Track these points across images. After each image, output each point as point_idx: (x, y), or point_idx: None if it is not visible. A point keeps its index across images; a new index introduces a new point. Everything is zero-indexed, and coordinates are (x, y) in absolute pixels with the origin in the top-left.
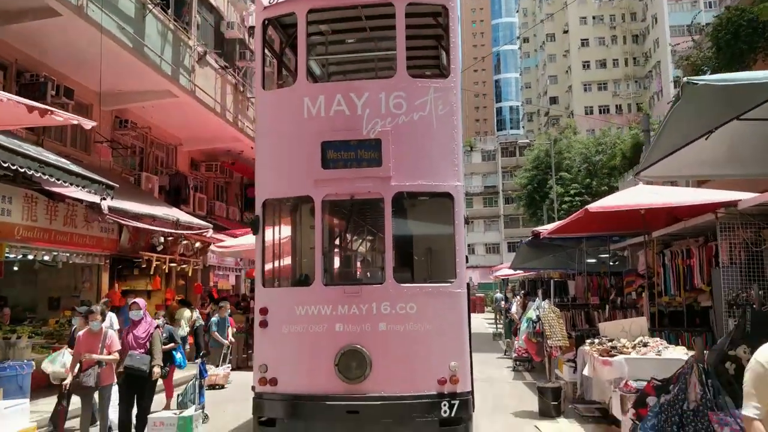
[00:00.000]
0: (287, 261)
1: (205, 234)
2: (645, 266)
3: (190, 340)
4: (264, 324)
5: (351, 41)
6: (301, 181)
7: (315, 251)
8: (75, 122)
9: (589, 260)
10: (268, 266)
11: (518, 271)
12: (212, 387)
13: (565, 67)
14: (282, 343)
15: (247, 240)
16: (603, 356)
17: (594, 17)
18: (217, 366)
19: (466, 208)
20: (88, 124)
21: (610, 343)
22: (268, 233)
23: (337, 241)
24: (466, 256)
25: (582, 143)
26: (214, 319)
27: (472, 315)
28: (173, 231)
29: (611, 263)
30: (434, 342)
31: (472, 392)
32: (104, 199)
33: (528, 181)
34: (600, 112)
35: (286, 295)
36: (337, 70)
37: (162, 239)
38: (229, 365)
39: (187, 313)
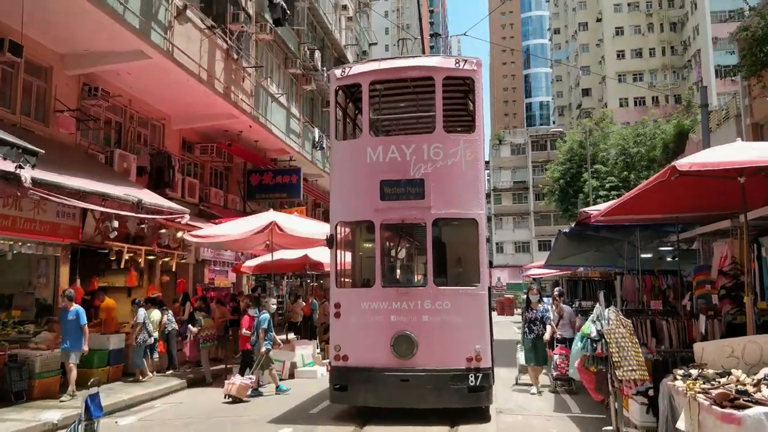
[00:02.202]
0: (354, 268)
1: (178, 220)
2: (730, 261)
3: (160, 347)
4: (338, 315)
5: (402, 104)
6: (365, 209)
7: (375, 261)
8: None
9: (643, 255)
10: (341, 272)
11: (551, 270)
12: (235, 400)
13: (598, 57)
14: (351, 329)
15: (228, 229)
16: (723, 406)
17: (629, 4)
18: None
19: (495, 204)
20: None
21: (723, 380)
22: (340, 248)
23: (391, 254)
24: (490, 261)
25: (619, 134)
26: (265, 315)
27: (501, 317)
28: (129, 214)
29: (671, 258)
30: (463, 330)
31: (492, 368)
32: (21, 167)
33: (561, 175)
34: (636, 104)
35: (353, 294)
36: (388, 123)
37: (116, 224)
38: (253, 376)
39: (156, 314)
